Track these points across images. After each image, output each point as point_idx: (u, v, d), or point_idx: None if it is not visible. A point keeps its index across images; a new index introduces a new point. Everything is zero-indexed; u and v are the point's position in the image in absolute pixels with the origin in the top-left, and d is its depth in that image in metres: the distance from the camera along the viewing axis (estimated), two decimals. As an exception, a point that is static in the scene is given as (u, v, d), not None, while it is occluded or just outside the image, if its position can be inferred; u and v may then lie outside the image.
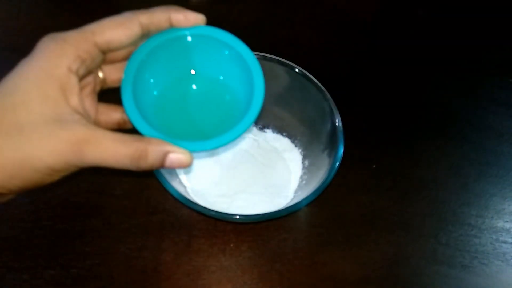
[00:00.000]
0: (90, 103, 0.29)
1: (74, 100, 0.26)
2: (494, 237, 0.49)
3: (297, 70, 0.48)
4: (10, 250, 0.44)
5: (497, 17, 0.75)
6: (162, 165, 0.27)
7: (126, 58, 0.30)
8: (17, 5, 0.69)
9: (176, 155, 0.27)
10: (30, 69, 0.27)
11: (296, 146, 0.52)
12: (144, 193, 0.48)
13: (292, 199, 0.47)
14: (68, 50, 0.26)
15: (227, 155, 0.50)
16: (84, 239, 0.45)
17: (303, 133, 0.51)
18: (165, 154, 0.26)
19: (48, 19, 0.67)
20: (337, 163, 0.42)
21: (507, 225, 0.49)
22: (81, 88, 0.27)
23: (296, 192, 0.48)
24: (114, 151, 0.25)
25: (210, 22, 0.73)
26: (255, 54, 0.49)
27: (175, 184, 0.41)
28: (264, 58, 0.49)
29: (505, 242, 0.48)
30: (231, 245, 0.46)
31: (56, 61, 0.26)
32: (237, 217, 0.39)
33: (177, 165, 0.27)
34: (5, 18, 0.67)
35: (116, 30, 0.28)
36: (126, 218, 0.46)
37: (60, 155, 0.24)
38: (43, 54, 0.27)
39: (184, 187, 0.46)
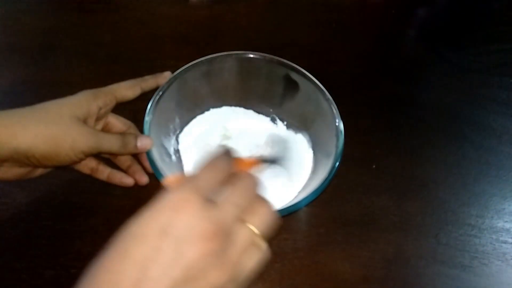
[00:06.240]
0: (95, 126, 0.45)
1: (91, 121, 0.42)
2: (494, 237, 0.49)
3: (297, 70, 0.48)
4: (10, 250, 0.44)
5: (497, 17, 0.75)
6: (136, 148, 0.42)
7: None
8: (17, 5, 0.69)
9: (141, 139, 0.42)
10: (75, 99, 0.41)
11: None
12: (144, 193, 0.48)
13: (292, 199, 0.47)
14: (101, 98, 0.42)
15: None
16: (84, 239, 0.45)
17: (303, 133, 0.51)
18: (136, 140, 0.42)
19: (48, 20, 0.67)
20: (337, 163, 0.42)
21: (507, 225, 0.49)
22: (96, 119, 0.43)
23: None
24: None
25: (211, 21, 0.73)
26: (255, 54, 0.50)
27: (175, 184, 0.41)
28: (264, 58, 0.49)
29: (505, 242, 0.48)
30: (231, 245, 0.46)
31: (91, 101, 0.41)
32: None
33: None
34: (5, 18, 0.67)
35: (127, 91, 0.44)
36: (126, 218, 0.46)
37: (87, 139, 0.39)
38: (84, 95, 0.41)
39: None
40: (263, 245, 0.27)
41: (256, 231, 0.27)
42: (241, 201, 0.27)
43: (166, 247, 0.24)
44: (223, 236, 0.25)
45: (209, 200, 0.26)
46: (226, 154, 0.29)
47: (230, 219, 0.26)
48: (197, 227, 0.24)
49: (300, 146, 0.51)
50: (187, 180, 0.26)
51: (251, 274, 0.26)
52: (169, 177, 0.30)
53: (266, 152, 0.47)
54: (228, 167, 0.28)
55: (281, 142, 0.46)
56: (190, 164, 0.49)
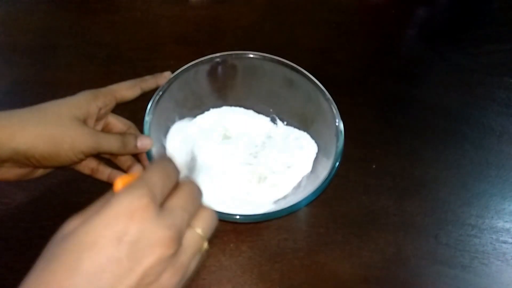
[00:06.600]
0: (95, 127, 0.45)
1: (91, 122, 0.42)
2: (494, 237, 0.49)
3: (297, 70, 0.48)
4: (10, 250, 0.44)
5: (497, 17, 0.75)
6: (136, 148, 0.42)
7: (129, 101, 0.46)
8: (17, 5, 0.69)
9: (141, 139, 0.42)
10: (74, 100, 0.40)
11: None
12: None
13: (292, 199, 0.47)
14: (100, 98, 0.42)
15: (228, 156, 0.50)
16: (84, 239, 0.45)
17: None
18: (136, 141, 0.42)
19: (48, 20, 0.67)
20: (337, 163, 0.42)
21: (507, 225, 0.49)
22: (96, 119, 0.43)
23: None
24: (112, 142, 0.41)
25: (211, 21, 0.73)
26: (255, 54, 0.50)
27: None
28: (264, 58, 0.49)
29: (505, 242, 0.48)
30: (231, 245, 0.46)
31: (91, 102, 0.41)
32: (237, 217, 0.39)
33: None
34: (5, 18, 0.67)
35: (127, 91, 0.44)
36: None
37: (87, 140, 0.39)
38: (84, 96, 0.41)
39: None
40: (206, 247, 0.28)
41: (201, 234, 0.28)
42: (189, 206, 0.27)
43: (122, 256, 0.23)
44: (177, 241, 0.25)
45: (161, 206, 0.26)
46: (169, 161, 0.29)
47: (181, 224, 0.26)
48: (153, 234, 0.24)
49: (301, 141, 0.50)
50: (139, 185, 0.26)
51: (192, 273, 0.28)
52: (121, 177, 0.29)
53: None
54: (175, 173, 0.29)
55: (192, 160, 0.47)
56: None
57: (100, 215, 0.24)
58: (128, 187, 0.25)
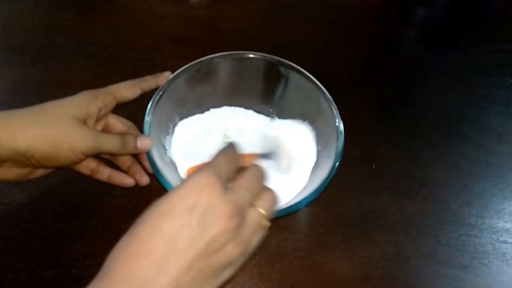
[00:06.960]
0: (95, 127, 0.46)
1: (91, 122, 0.42)
2: (494, 237, 0.49)
3: (297, 70, 0.48)
4: (10, 250, 0.44)
5: (497, 17, 0.75)
6: (136, 148, 0.42)
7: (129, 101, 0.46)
8: (17, 5, 0.69)
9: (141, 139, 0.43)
10: (74, 100, 0.41)
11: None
12: (144, 193, 0.48)
13: (292, 199, 0.47)
14: (100, 98, 0.42)
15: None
16: (84, 239, 0.45)
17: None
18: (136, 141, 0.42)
19: (48, 20, 0.67)
20: (337, 163, 0.42)
21: (507, 225, 0.49)
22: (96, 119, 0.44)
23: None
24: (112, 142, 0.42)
25: (211, 21, 0.73)
26: (255, 54, 0.50)
27: (174, 183, 0.41)
28: (264, 58, 0.49)
29: (505, 242, 0.48)
30: (231, 245, 0.46)
31: (91, 102, 0.41)
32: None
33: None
34: (5, 18, 0.67)
35: (127, 91, 0.44)
36: (126, 218, 0.46)
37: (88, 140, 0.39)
38: (84, 96, 0.41)
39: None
40: (268, 225, 0.32)
41: (263, 213, 0.31)
42: (252, 187, 0.31)
43: (193, 223, 0.27)
44: (239, 216, 0.28)
45: (228, 186, 0.30)
46: (233, 148, 0.33)
47: (244, 202, 0.30)
48: (219, 207, 0.28)
49: (303, 136, 0.50)
50: (207, 167, 0.29)
51: (255, 249, 0.31)
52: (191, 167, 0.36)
53: (259, 149, 0.48)
54: (238, 159, 0.33)
55: (273, 139, 0.48)
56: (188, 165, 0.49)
57: (176, 189, 0.28)
58: (199, 169, 0.29)
